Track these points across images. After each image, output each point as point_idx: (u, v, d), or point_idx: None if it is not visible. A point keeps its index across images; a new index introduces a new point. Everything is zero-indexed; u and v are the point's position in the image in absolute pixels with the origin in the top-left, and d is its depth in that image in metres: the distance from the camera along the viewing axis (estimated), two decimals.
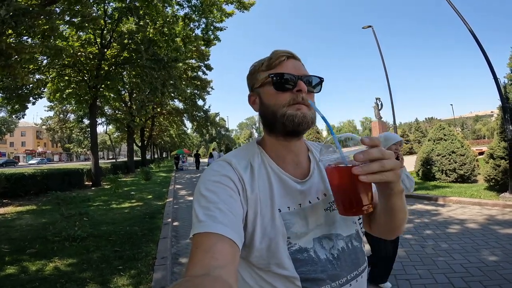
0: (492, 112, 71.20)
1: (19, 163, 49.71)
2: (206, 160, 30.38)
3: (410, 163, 11.69)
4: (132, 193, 9.61)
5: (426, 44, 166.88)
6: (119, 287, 2.69)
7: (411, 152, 23.92)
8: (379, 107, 46.25)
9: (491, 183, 6.45)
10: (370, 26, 10.50)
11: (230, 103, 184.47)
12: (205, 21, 11.97)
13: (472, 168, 8.05)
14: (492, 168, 6.33)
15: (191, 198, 8.88)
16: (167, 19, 11.25)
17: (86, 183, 12.66)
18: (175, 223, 5.70)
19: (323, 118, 0.66)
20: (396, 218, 0.65)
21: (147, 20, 11.13)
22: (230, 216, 0.58)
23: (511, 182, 5.56)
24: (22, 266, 3.19)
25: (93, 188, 11.67)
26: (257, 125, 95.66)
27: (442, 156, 8.29)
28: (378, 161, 0.51)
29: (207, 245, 0.52)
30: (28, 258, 3.42)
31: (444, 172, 8.23)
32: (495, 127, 6.89)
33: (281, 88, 0.68)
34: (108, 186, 10.94)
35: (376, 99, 46.09)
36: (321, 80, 0.72)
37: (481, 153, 12.60)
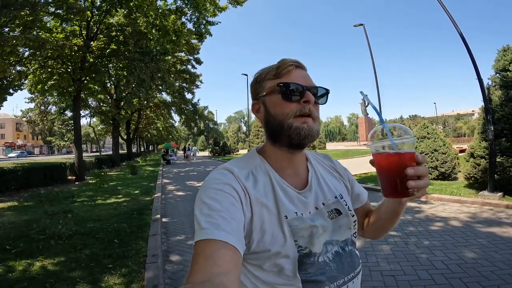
0: (473, 111, 73.77)
1: None
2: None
3: None
4: (119, 188, 9.45)
5: (413, 45, 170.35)
6: (111, 286, 2.67)
7: None
8: (366, 104, 47.02)
9: (471, 181, 6.72)
10: (361, 24, 10.61)
11: (220, 97, 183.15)
12: (197, 14, 11.74)
13: (453, 166, 8.36)
14: (472, 166, 6.60)
15: (180, 193, 8.88)
16: (159, 11, 10.97)
17: (69, 177, 12.32)
18: (164, 219, 5.66)
19: (375, 109, 0.70)
20: (394, 222, 0.78)
21: (138, 14, 10.81)
22: (232, 223, 0.57)
23: (490, 181, 5.81)
24: (7, 266, 3.11)
25: (76, 183, 11.39)
26: (245, 119, 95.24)
27: (425, 154, 8.56)
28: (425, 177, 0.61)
29: (209, 252, 0.51)
30: (14, 257, 3.33)
31: None
32: (476, 126, 7.16)
33: (288, 98, 0.68)
34: (93, 181, 10.70)
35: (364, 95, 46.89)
36: (327, 92, 0.73)
37: (461, 151, 13.06)
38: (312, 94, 0.69)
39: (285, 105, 0.68)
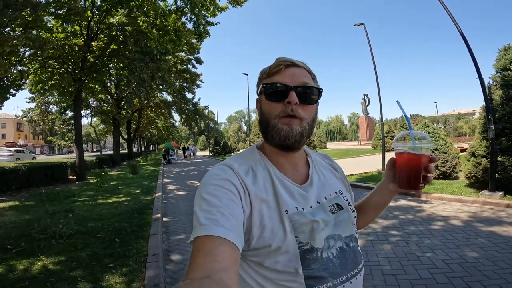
0: (474, 110, 73.66)
1: None
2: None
3: None
4: (119, 187, 9.46)
5: (413, 44, 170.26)
6: (112, 286, 2.68)
7: None
8: (367, 103, 47.01)
9: (472, 181, 6.72)
10: (362, 24, 10.60)
11: (220, 97, 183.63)
12: (195, 15, 11.74)
13: (454, 165, 8.35)
14: (473, 166, 6.59)
15: (181, 193, 8.89)
16: (159, 11, 10.95)
17: (70, 177, 12.33)
18: (165, 219, 5.67)
19: (406, 117, 0.79)
20: (380, 212, 0.89)
21: (138, 13, 10.79)
22: (231, 220, 0.57)
23: (491, 180, 5.80)
24: (9, 265, 3.12)
25: (77, 182, 11.40)
26: (246, 118, 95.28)
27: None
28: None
29: (209, 248, 0.51)
30: (15, 257, 3.34)
31: None
32: (477, 125, 7.16)
33: (272, 99, 0.69)
34: (94, 181, 10.70)
35: (364, 95, 46.80)
36: (319, 91, 0.71)
37: (462, 150, 13.06)
38: (298, 93, 0.67)
39: (271, 105, 0.69)
